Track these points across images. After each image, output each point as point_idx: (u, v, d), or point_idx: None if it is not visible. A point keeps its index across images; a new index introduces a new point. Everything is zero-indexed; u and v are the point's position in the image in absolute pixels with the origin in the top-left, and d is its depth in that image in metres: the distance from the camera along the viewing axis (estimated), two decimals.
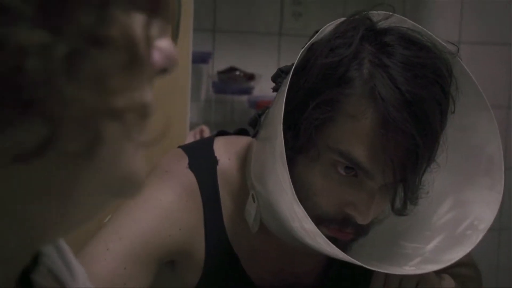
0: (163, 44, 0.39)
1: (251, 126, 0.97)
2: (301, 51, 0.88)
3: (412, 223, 1.00)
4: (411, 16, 2.56)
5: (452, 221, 0.99)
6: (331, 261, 1.04)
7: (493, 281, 2.52)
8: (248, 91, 2.16)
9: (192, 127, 1.55)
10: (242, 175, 1.00)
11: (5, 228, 0.38)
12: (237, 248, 1.02)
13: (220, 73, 2.19)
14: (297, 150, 0.87)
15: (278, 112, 0.84)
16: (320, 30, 0.90)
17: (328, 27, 0.91)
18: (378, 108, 0.84)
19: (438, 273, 0.99)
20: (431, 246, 0.98)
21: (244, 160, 1.00)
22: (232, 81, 2.15)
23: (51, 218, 0.39)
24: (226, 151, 1.03)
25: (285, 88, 0.85)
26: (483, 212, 0.96)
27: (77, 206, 0.40)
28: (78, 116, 0.35)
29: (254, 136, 0.96)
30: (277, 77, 0.94)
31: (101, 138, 0.36)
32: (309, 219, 0.83)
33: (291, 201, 0.84)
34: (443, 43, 0.93)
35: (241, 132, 1.11)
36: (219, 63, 2.21)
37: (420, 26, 0.94)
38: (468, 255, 1.00)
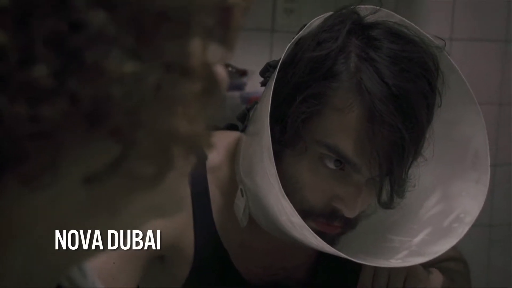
0: (219, 69, 0.41)
1: (240, 121, 0.98)
2: (288, 45, 0.89)
3: (399, 217, 1.01)
4: (403, 12, 2.56)
5: (439, 214, 1.00)
6: (321, 255, 1.04)
7: (483, 278, 2.53)
8: (240, 87, 2.16)
9: None
10: (232, 170, 1.00)
11: (51, 243, 0.39)
12: (226, 243, 1.02)
13: None
14: (284, 144, 0.88)
15: (265, 106, 0.85)
16: (308, 24, 0.91)
17: (316, 21, 0.92)
18: (365, 101, 0.84)
19: (427, 267, 1.00)
20: (418, 239, 0.99)
21: (234, 155, 1.01)
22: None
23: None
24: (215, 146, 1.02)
25: (272, 83, 0.85)
26: (469, 205, 0.97)
27: (119, 226, 0.41)
28: (152, 140, 0.36)
29: (243, 130, 0.96)
30: (266, 72, 0.95)
31: (172, 163, 0.38)
32: (296, 212, 0.84)
33: (278, 195, 0.84)
34: (431, 38, 0.93)
35: (231, 127, 1.11)
36: None
37: (407, 21, 0.95)
38: (457, 249, 1.00)
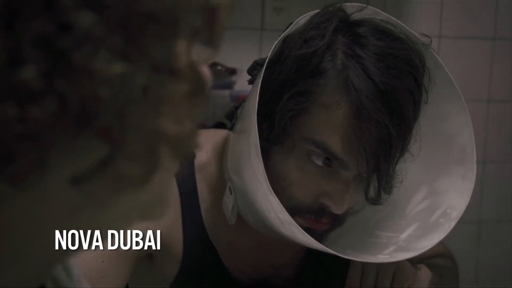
0: (204, 70, 0.41)
1: (228, 119, 0.98)
2: (275, 43, 0.89)
3: (387, 213, 1.01)
4: (392, 10, 2.56)
5: (425, 210, 1.00)
6: (309, 252, 1.05)
7: (472, 274, 2.54)
8: (229, 85, 2.16)
9: None
10: (220, 168, 1.01)
11: (37, 242, 0.39)
12: (215, 241, 1.02)
13: None
14: (272, 141, 0.88)
15: (252, 104, 0.85)
16: (294, 22, 0.91)
17: (302, 19, 0.92)
18: (352, 98, 0.84)
19: (415, 263, 1.00)
20: (405, 235, 0.99)
21: (222, 153, 1.01)
22: (214, 76, 2.13)
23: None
24: (203, 145, 1.02)
25: (259, 80, 0.85)
26: (456, 201, 0.98)
27: (105, 226, 0.41)
28: (139, 141, 0.36)
29: (231, 128, 0.96)
30: (253, 70, 0.95)
31: (159, 164, 0.38)
32: (284, 209, 0.84)
33: (266, 191, 0.85)
34: (417, 35, 0.93)
35: (219, 125, 1.11)
36: None
37: (393, 18, 0.95)
38: (444, 245, 1.01)
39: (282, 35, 0.90)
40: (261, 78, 0.86)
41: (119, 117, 0.35)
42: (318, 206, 0.91)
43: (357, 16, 0.92)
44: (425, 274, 1.00)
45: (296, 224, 0.86)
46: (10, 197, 0.36)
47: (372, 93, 0.84)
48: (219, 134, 1.05)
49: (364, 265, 0.96)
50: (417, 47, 0.92)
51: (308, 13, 0.93)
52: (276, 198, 0.84)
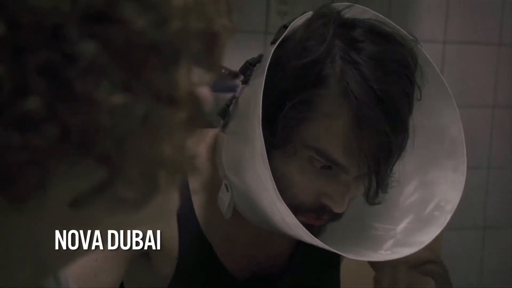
0: (203, 91, 0.41)
1: (221, 117, 0.98)
2: (272, 48, 0.89)
3: (381, 204, 1.01)
4: (397, 15, 2.56)
5: (419, 201, 1.02)
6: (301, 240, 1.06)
7: (477, 280, 2.53)
8: (233, 89, 2.15)
9: None
10: (212, 164, 1.01)
11: (29, 254, 0.40)
12: (210, 236, 1.03)
13: None
14: (273, 146, 0.89)
15: (254, 110, 0.86)
16: (289, 26, 0.91)
17: (297, 22, 0.92)
18: (352, 107, 0.86)
19: (408, 268, 1.01)
20: (401, 227, 1.01)
21: (213, 150, 1.02)
22: (217, 79, 2.14)
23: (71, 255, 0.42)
24: (192, 143, 1.03)
25: (259, 88, 0.86)
26: (449, 194, 1.00)
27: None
28: (138, 166, 0.37)
29: (224, 126, 0.97)
30: (246, 70, 0.96)
31: (156, 188, 0.38)
32: (292, 214, 0.86)
33: (274, 198, 0.86)
34: (405, 32, 0.95)
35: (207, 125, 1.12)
36: None
37: (382, 16, 0.96)
38: (434, 251, 1.01)
39: (279, 39, 0.90)
40: (262, 87, 0.86)
41: (119, 144, 0.36)
42: (319, 205, 0.93)
43: (348, 15, 0.93)
44: (431, 284, 1.02)
45: (303, 227, 0.87)
46: (10, 214, 0.36)
47: (372, 102, 0.86)
48: (209, 132, 1.06)
49: (392, 266, 0.97)
50: (409, 45, 0.93)
51: (301, 16, 0.93)
52: (285, 204, 0.86)
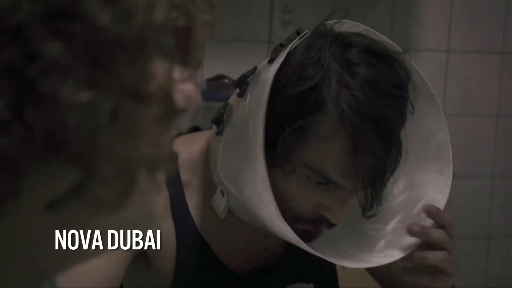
0: (186, 87, 0.41)
1: (215, 124, 1.01)
2: (271, 77, 0.91)
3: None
4: (400, 24, 2.55)
5: (406, 201, 1.06)
6: None
7: None
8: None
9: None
10: (206, 167, 1.04)
11: (19, 263, 0.39)
12: (206, 235, 1.05)
13: (209, 80, 2.18)
14: (273, 164, 0.93)
15: (254, 133, 0.90)
16: (287, 48, 0.94)
17: (295, 43, 0.95)
18: (348, 132, 0.90)
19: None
20: (390, 227, 1.05)
21: (205, 153, 1.05)
22: (221, 88, 2.14)
23: (64, 253, 0.41)
24: (185, 147, 1.06)
25: (260, 111, 0.89)
26: (435, 196, 1.03)
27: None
28: (112, 165, 0.36)
29: (219, 133, 1.00)
30: (242, 84, 0.99)
31: (134, 187, 0.38)
32: (292, 231, 0.90)
33: (275, 217, 0.91)
34: (393, 43, 0.97)
35: (195, 129, 1.14)
36: (208, 71, 2.21)
37: (372, 30, 0.98)
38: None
39: (279, 64, 0.93)
40: (264, 112, 0.89)
41: (89, 142, 0.35)
42: (318, 215, 0.97)
43: (345, 31, 0.96)
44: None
45: (302, 242, 0.91)
46: None
47: (367, 127, 0.90)
48: (201, 136, 1.09)
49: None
50: (402, 60, 0.96)
51: (300, 36, 0.96)
52: (286, 224, 0.90)
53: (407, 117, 0.98)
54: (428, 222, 1.01)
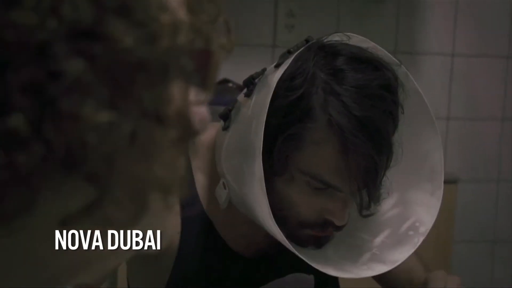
0: (200, 110, 0.41)
1: (222, 119, 1.05)
2: (275, 80, 0.94)
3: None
4: (405, 28, 2.55)
5: (396, 217, 1.09)
6: None
7: None
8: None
9: None
10: (213, 157, 1.09)
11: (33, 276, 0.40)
12: (212, 217, 1.09)
13: None
14: (273, 173, 0.98)
15: (255, 139, 0.94)
16: (295, 53, 0.97)
17: (301, 50, 0.98)
18: (337, 136, 0.94)
19: None
20: (378, 240, 1.09)
21: (213, 143, 1.09)
22: (225, 92, 2.14)
23: (73, 267, 0.41)
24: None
25: (262, 119, 0.93)
26: (424, 215, 1.07)
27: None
28: (127, 185, 0.37)
29: (225, 128, 1.04)
30: (249, 85, 1.03)
31: (146, 208, 0.38)
32: (280, 232, 0.94)
33: (267, 218, 0.94)
34: (389, 55, 1.01)
35: None
36: None
37: (366, 39, 1.01)
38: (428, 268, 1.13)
39: (283, 70, 0.96)
40: (263, 122, 0.93)
41: (106, 162, 0.35)
42: (323, 219, 1.00)
43: (332, 42, 0.99)
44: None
45: (288, 243, 0.95)
46: None
47: (355, 129, 0.93)
48: (210, 127, 1.11)
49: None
50: (390, 66, 0.99)
51: (306, 46, 0.98)
52: (276, 226, 0.93)
53: (404, 134, 1.03)
54: (414, 242, 1.03)
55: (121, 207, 0.37)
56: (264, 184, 0.92)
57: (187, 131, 0.39)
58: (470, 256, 2.51)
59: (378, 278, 1.18)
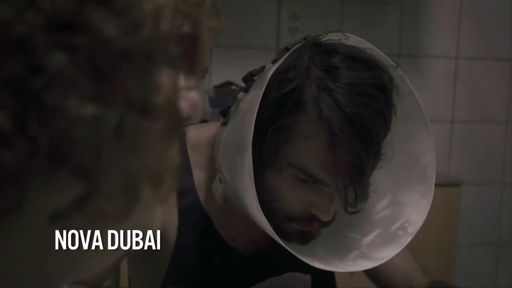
0: (192, 95, 0.40)
1: (222, 115, 1.07)
2: (268, 78, 0.95)
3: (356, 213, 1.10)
4: (409, 31, 2.54)
5: (387, 218, 1.11)
6: None
7: None
8: None
9: None
10: (212, 153, 1.10)
11: (28, 274, 0.39)
12: (209, 211, 1.10)
13: (216, 87, 2.18)
14: (264, 165, 1.00)
15: (247, 132, 0.95)
16: (281, 58, 0.98)
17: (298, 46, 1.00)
18: (326, 130, 0.95)
19: None
20: (367, 239, 1.10)
21: (213, 139, 1.11)
22: (229, 95, 2.14)
23: (67, 264, 0.40)
24: (195, 131, 1.13)
25: (253, 111, 0.94)
26: (413, 216, 1.08)
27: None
28: (117, 178, 0.36)
29: (224, 124, 1.06)
30: (248, 80, 1.05)
31: (138, 200, 0.37)
32: (268, 224, 0.96)
33: (256, 210, 0.96)
34: (386, 57, 1.01)
35: (204, 122, 1.26)
36: (216, 78, 2.21)
37: (364, 40, 1.01)
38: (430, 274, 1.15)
39: (277, 65, 0.98)
40: (255, 116, 0.94)
41: (94, 156, 0.35)
42: (309, 214, 1.02)
43: (330, 41, 1.00)
44: None
45: (276, 235, 0.96)
46: None
47: (343, 124, 0.94)
48: (210, 126, 1.15)
49: None
50: (386, 68, 1.00)
51: (302, 42, 1.00)
52: (263, 216, 0.94)
53: (398, 136, 1.04)
54: (400, 242, 1.04)
55: (112, 200, 0.36)
56: (253, 174, 0.93)
57: (177, 120, 0.38)
58: (474, 259, 2.50)
59: (377, 282, 1.19)
